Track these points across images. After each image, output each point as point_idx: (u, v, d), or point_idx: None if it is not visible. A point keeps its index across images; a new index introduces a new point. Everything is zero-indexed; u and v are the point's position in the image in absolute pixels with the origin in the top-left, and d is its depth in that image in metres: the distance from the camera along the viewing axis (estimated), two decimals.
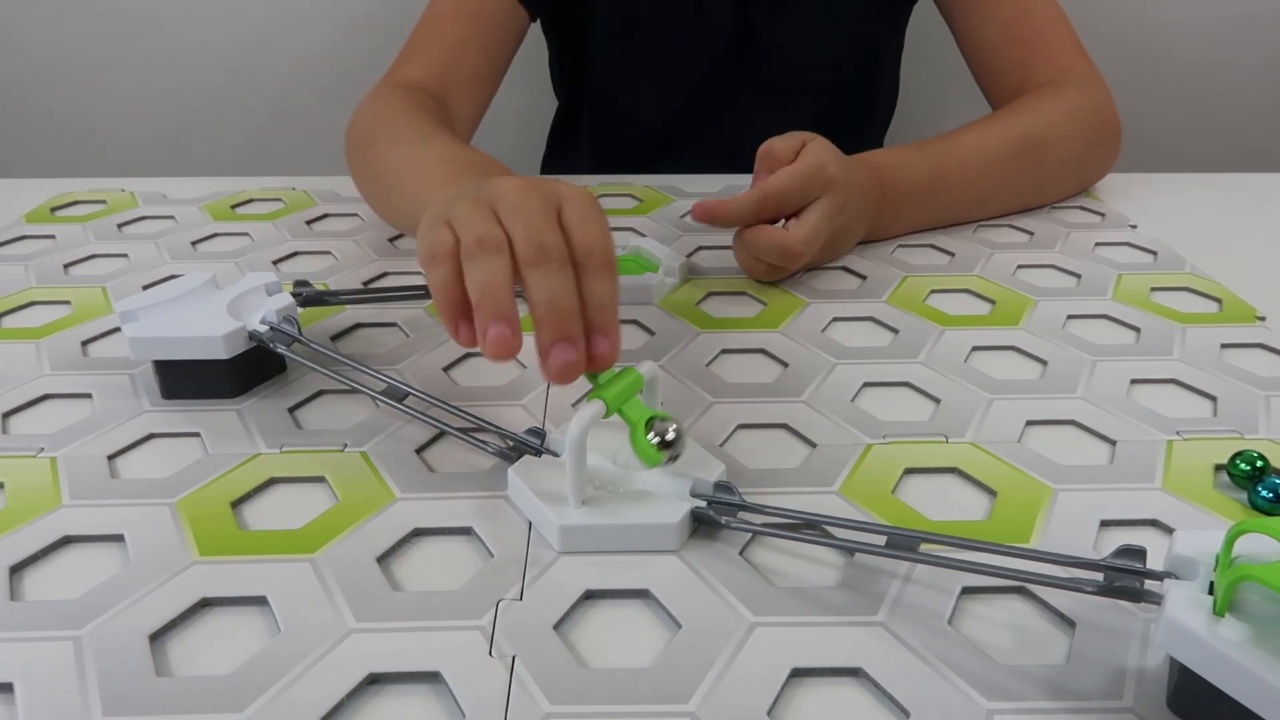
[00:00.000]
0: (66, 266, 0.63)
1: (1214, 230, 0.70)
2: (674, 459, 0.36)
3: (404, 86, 0.72)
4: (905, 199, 0.66)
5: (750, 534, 0.37)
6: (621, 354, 0.38)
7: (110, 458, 0.43)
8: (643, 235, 0.68)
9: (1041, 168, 0.71)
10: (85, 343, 0.53)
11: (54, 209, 0.74)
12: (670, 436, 0.36)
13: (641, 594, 0.35)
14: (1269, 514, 0.38)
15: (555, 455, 0.40)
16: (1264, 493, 0.38)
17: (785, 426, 0.45)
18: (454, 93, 0.73)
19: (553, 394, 0.48)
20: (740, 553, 0.37)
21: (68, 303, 0.58)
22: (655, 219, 0.72)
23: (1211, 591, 0.28)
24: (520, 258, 0.38)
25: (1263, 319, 0.55)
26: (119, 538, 0.37)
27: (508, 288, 0.37)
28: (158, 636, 0.33)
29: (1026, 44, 0.76)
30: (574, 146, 0.97)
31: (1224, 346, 0.52)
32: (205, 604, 0.34)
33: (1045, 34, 0.76)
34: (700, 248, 0.66)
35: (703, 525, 0.38)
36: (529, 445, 0.41)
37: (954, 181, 0.68)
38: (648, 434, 0.36)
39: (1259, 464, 0.40)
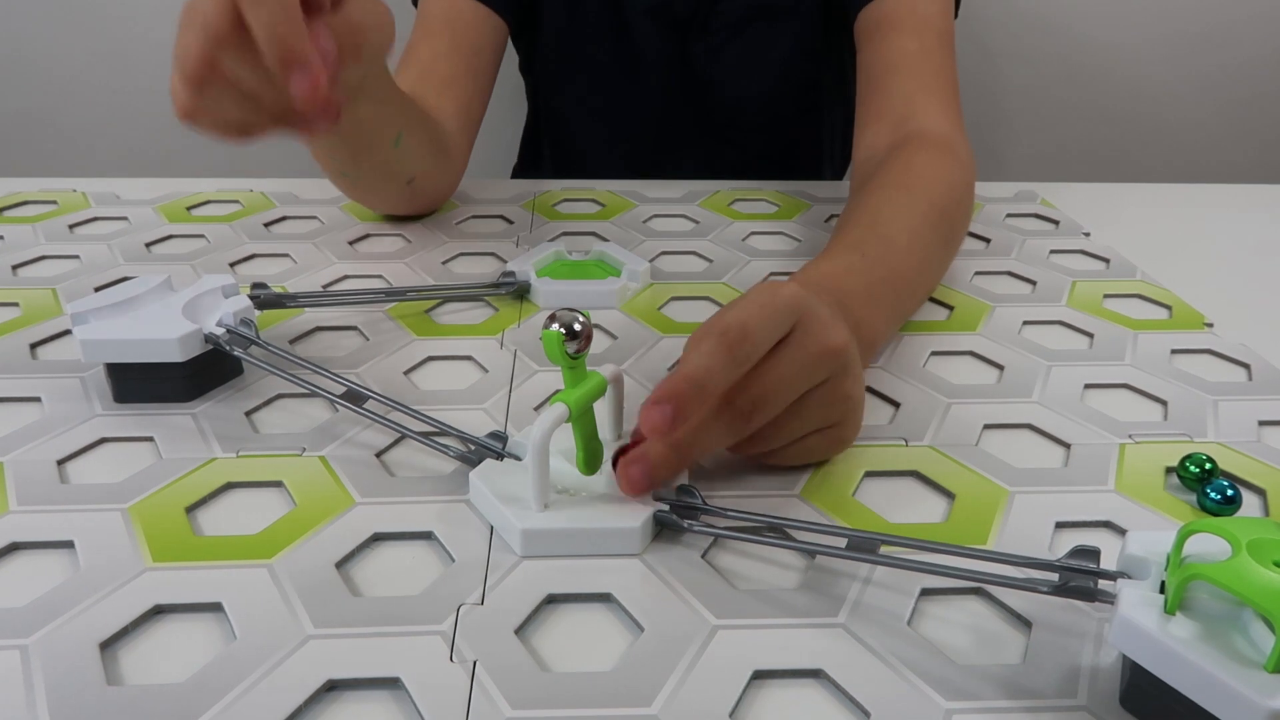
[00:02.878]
0: (15, 268, 0.62)
1: (1163, 239, 0.71)
2: (580, 355, 0.36)
3: None
4: (863, 310, 0.48)
5: (712, 537, 0.37)
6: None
7: (60, 462, 0.42)
8: (605, 240, 0.68)
9: (954, 239, 0.62)
10: (34, 345, 0.52)
11: (1, 209, 0.72)
12: (577, 328, 0.36)
13: (604, 598, 0.35)
14: (1217, 515, 0.39)
15: (517, 459, 0.40)
16: (1212, 494, 0.39)
17: None
18: (430, 94, 0.73)
19: (514, 397, 0.47)
20: (702, 556, 0.37)
21: (16, 304, 0.57)
22: (618, 224, 0.72)
23: (1163, 590, 0.29)
24: None
25: (1210, 325, 0.57)
26: (69, 544, 0.37)
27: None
28: (109, 645, 0.32)
29: (919, 77, 0.72)
30: (539, 161, 0.99)
31: (1174, 352, 0.53)
32: (158, 611, 0.34)
33: (940, 75, 0.73)
34: (663, 252, 0.66)
35: (665, 529, 0.38)
36: (490, 449, 0.40)
37: (901, 281, 0.53)
38: (553, 325, 0.35)
39: (1208, 466, 0.41)
